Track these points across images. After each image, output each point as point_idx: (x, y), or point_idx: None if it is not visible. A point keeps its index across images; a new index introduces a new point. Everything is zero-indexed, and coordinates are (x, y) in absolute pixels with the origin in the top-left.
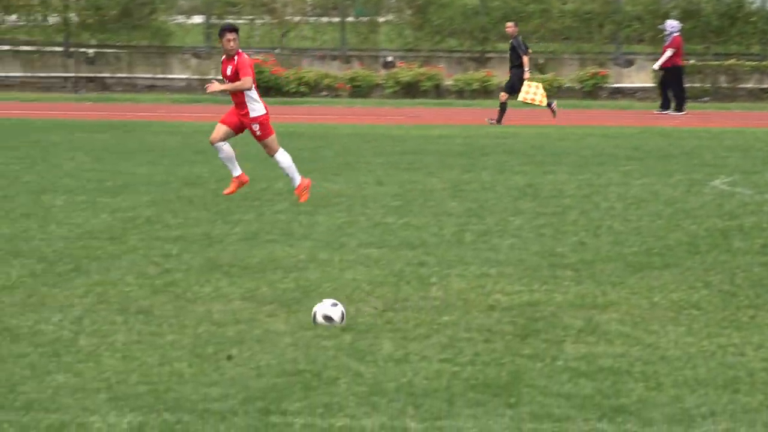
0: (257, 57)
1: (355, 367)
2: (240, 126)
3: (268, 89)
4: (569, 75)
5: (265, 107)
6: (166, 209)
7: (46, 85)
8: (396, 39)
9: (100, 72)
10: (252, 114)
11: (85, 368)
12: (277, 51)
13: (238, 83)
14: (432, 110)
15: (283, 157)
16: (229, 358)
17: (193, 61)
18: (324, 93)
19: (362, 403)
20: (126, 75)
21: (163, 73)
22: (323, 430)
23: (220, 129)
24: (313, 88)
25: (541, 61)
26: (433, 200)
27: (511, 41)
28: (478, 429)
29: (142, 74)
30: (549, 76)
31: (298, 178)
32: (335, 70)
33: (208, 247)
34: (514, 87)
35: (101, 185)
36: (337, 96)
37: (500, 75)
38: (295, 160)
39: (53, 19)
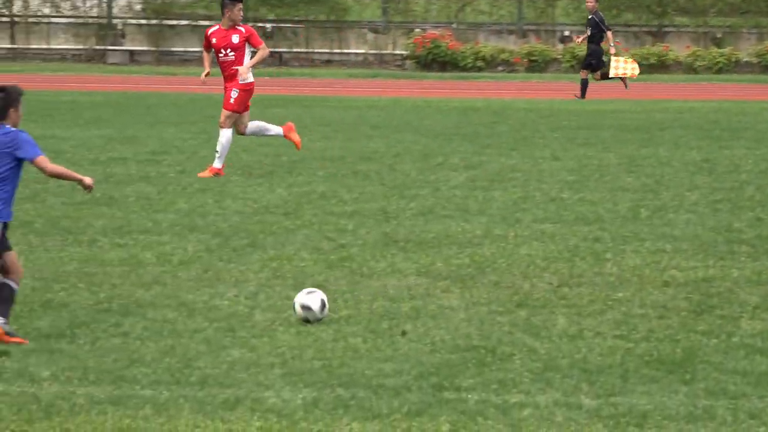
0: (434, 32)
1: (529, 343)
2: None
3: (444, 64)
4: (747, 49)
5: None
6: (341, 184)
7: None
8: (573, 13)
9: (277, 47)
10: (241, 81)
11: (260, 343)
12: (453, 26)
13: (262, 54)
14: (607, 85)
15: (225, 137)
16: (404, 333)
17: (370, 36)
18: (500, 68)
19: (536, 380)
20: (303, 50)
21: (339, 47)
22: (497, 406)
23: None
24: (489, 63)
25: (719, 35)
26: (608, 175)
27: (590, 16)
28: (653, 405)
29: (319, 49)
30: (726, 50)
31: (219, 164)
32: (511, 45)
33: (383, 222)
34: (591, 64)
35: (277, 160)
36: (513, 71)
37: (677, 49)
38: (471, 135)
39: None
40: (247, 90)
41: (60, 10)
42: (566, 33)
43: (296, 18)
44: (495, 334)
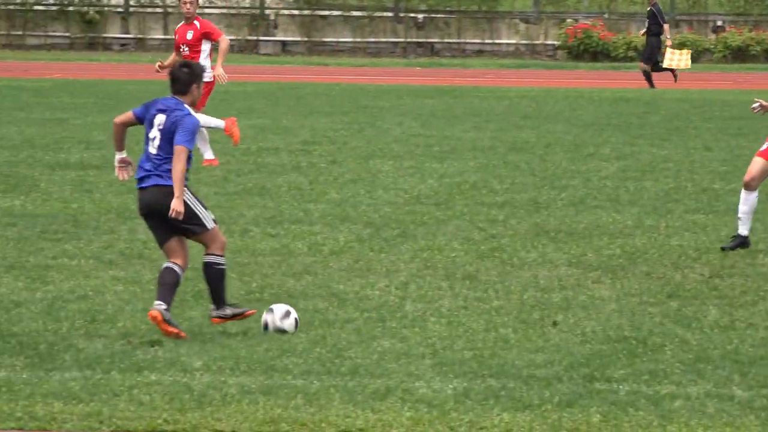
0: (586, 22)
1: (680, 333)
2: None
3: (596, 54)
4: None
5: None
6: (492, 174)
7: (375, 51)
8: (726, 3)
9: (429, 37)
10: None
11: (411, 334)
12: (605, 16)
13: (223, 47)
14: (761, 75)
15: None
16: (555, 324)
17: (521, 26)
18: None
19: (688, 371)
20: (454, 40)
21: (491, 38)
22: (648, 397)
23: None
24: (641, 53)
25: None
26: None
27: (650, 8)
28: None
29: (471, 39)
30: None
31: (211, 155)
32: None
33: (534, 213)
34: (651, 57)
35: (428, 150)
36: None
37: None
38: (622, 125)
39: None
40: (206, 85)
41: (213, 1)
42: (719, 23)
43: (448, 8)
44: (646, 324)
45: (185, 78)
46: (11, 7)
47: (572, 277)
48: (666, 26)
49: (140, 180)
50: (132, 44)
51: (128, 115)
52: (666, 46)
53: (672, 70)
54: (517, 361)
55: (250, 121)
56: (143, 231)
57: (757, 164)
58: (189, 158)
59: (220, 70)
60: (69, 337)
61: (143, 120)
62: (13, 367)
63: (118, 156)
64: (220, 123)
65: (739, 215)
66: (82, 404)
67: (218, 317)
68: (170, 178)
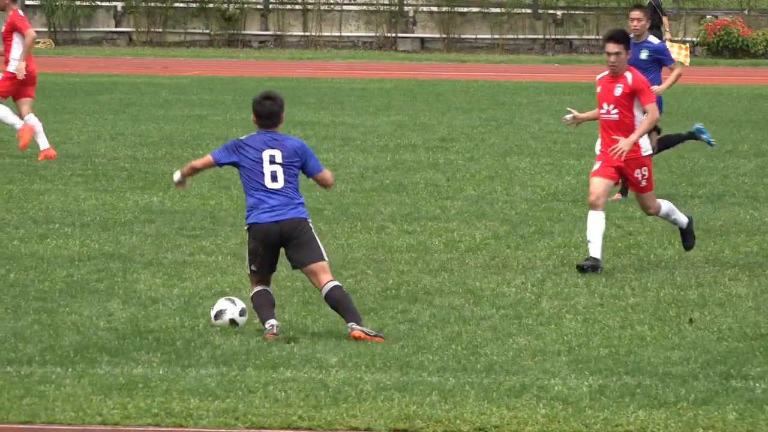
0: (726, 18)
1: None
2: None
3: (735, 51)
4: None
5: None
6: None
7: (513, 47)
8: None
9: (567, 34)
10: (10, 69)
11: (547, 330)
12: (745, 12)
13: (27, 41)
14: None
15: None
16: (691, 321)
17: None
18: None
19: None
20: (593, 37)
21: None
22: None
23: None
24: None
25: None
26: None
27: (649, 1)
28: None
29: None
30: None
31: (17, 123)
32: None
33: None
34: None
35: (566, 147)
36: None
37: None
38: (761, 122)
39: None
40: (11, 78)
41: None
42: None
43: (587, 5)
44: None
45: (274, 110)
46: (152, 4)
47: (709, 274)
48: (665, 20)
49: (271, 214)
50: (271, 41)
51: (207, 159)
52: (665, 39)
53: None
54: (653, 359)
55: (389, 118)
56: None
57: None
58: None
59: (21, 65)
60: (205, 334)
61: (223, 164)
62: (150, 363)
63: (180, 177)
64: (17, 123)
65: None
66: (217, 401)
67: (362, 331)
68: (305, 210)
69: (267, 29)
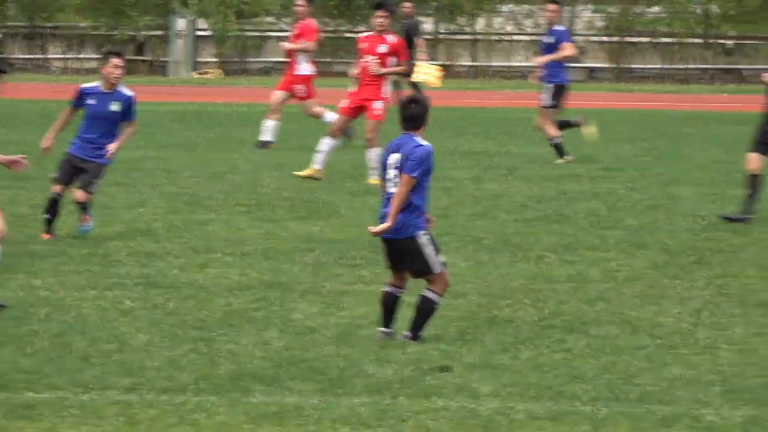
0: None
1: None
2: None
3: None
4: None
5: None
6: None
7: (683, 77)
8: None
9: (737, 63)
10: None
11: (701, 360)
12: None
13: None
14: None
15: None
16: None
17: None
18: None
19: None
20: (764, 66)
21: None
22: None
23: None
24: None
25: None
26: None
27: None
28: None
29: None
30: None
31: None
32: None
33: None
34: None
35: (729, 177)
36: None
37: None
38: None
39: (695, 10)
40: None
41: (522, 27)
42: None
43: (759, 35)
44: None
45: (419, 112)
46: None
47: None
48: (420, 41)
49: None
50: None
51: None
52: (420, 59)
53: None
54: None
55: (550, 148)
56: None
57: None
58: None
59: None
60: (360, 363)
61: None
62: (304, 391)
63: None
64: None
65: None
66: (369, 429)
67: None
68: (410, 221)
69: (436, 59)
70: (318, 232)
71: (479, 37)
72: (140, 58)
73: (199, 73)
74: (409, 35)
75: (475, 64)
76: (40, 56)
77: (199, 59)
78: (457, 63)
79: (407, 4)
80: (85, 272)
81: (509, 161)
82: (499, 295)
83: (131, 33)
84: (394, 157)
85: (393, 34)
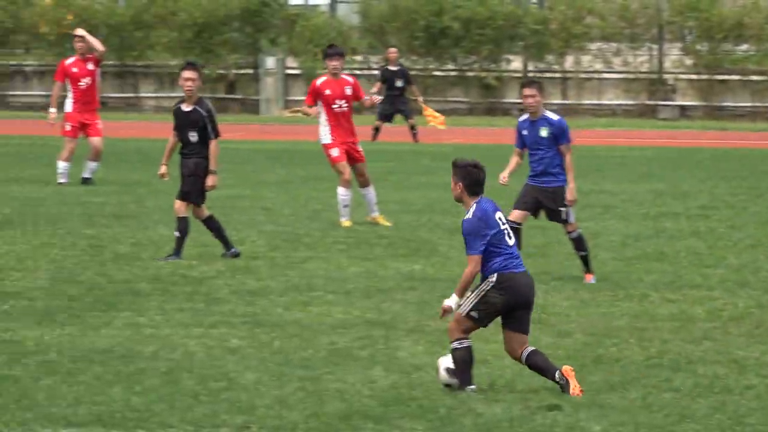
0: None
1: None
2: None
3: None
4: None
5: None
6: None
7: None
8: None
9: None
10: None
11: None
12: None
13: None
14: None
15: None
16: None
17: None
18: None
19: None
20: None
21: None
22: None
23: None
24: None
25: None
26: None
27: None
28: None
29: None
30: None
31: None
32: None
33: None
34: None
35: None
36: None
37: None
38: None
39: None
40: None
41: (611, 65)
42: None
43: None
44: None
45: (483, 177)
46: (412, 73)
47: None
48: (414, 87)
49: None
50: None
51: (479, 259)
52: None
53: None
54: None
55: (649, 186)
56: (542, 296)
57: None
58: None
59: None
60: (468, 401)
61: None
62: (415, 430)
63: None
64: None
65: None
66: None
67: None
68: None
69: None
70: (419, 270)
71: (569, 75)
72: (232, 96)
73: (291, 111)
74: (407, 80)
75: (565, 102)
76: (132, 95)
77: (289, 97)
78: (548, 101)
79: (392, 50)
80: (189, 310)
81: (605, 199)
82: (604, 333)
83: (221, 71)
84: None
85: (350, 75)
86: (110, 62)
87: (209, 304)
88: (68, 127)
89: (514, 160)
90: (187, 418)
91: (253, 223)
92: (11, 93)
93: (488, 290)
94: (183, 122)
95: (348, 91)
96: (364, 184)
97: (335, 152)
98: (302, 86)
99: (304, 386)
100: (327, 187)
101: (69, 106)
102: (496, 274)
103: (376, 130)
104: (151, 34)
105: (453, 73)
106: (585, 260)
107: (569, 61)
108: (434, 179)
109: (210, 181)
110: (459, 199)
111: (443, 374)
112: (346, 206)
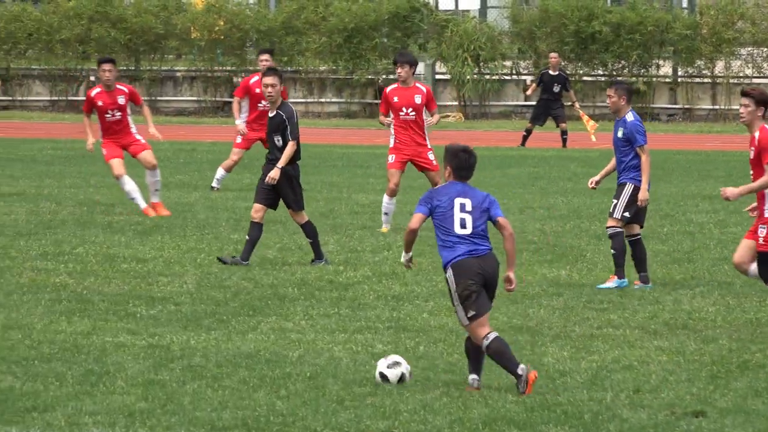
0: None
1: None
2: None
3: None
4: None
5: None
6: None
7: None
8: None
9: None
10: None
11: None
12: None
13: (148, 110)
14: None
15: None
16: None
17: None
18: None
19: None
20: None
21: None
22: None
23: None
24: None
25: None
26: None
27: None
28: None
29: None
30: None
31: None
32: None
33: None
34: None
35: None
36: None
37: None
38: None
39: None
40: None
41: (762, 70)
42: None
43: None
44: None
45: (473, 163)
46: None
47: None
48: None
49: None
50: (679, 114)
51: (420, 217)
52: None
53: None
54: None
55: None
56: (687, 302)
57: None
58: None
59: (155, 130)
60: (613, 407)
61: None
62: None
63: (407, 257)
64: (142, 203)
65: None
66: None
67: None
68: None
69: (675, 102)
70: (565, 276)
71: (718, 80)
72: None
73: (440, 117)
74: (564, 86)
75: (715, 107)
76: None
77: (439, 103)
78: (697, 107)
79: (554, 55)
80: (334, 315)
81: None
82: (749, 339)
83: (369, 76)
84: (464, 202)
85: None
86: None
87: (355, 310)
88: (239, 140)
89: (609, 164)
90: (331, 423)
91: (401, 229)
92: (162, 98)
93: (456, 286)
94: (268, 128)
95: (417, 99)
96: None
97: (390, 158)
98: (451, 91)
99: (449, 391)
100: None
101: (243, 119)
102: (449, 268)
103: (527, 133)
104: (302, 39)
105: (602, 78)
106: (614, 259)
107: (719, 66)
108: (580, 185)
109: (273, 173)
110: (447, 181)
111: (384, 375)
112: (386, 214)
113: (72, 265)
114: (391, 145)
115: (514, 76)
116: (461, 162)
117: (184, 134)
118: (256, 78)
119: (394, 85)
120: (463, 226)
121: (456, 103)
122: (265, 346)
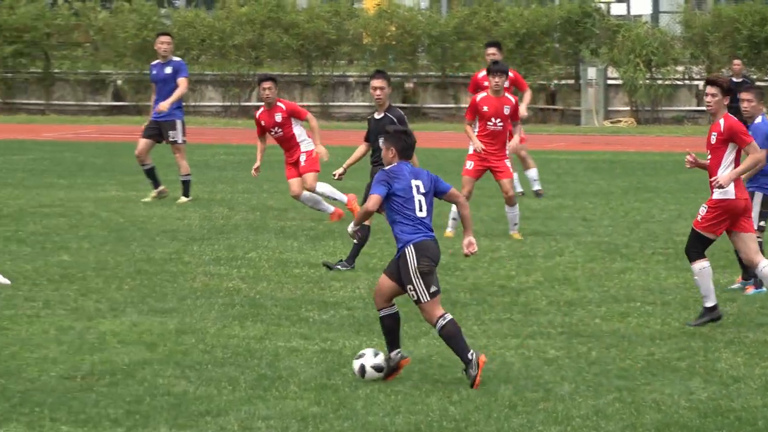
0: None
1: None
2: None
3: None
4: None
5: None
6: None
7: None
8: None
9: None
10: None
11: None
12: None
13: (316, 125)
14: None
15: None
16: None
17: None
18: None
19: None
20: None
21: None
22: None
23: None
24: None
25: None
26: None
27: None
28: None
29: None
30: None
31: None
32: None
33: None
34: None
35: None
36: None
37: None
38: None
39: None
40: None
41: None
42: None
43: None
44: None
45: (413, 143)
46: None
47: None
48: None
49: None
50: None
51: (378, 199)
52: None
53: None
54: None
55: None
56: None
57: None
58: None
59: (321, 148)
60: None
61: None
62: None
63: (355, 228)
64: (343, 197)
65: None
66: None
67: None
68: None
69: None
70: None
71: None
72: (552, 107)
73: (612, 122)
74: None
75: None
76: (453, 105)
77: (611, 108)
78: None
79: (737, 61)
80: (506, 321)
81: None
82: None
83: (541, 82)
84: (418, 184)
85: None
86: (431, 73)
87: (527, 315)
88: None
89: None
90: (503, 428)
91: (572, 234)
92: (334, 104)
93: (417, 263)
94: (374, 130)
95: (506, 110)
96: (507, 202)
97: (468, 164)
98: (623, 97)
99: (622, 397)
100: (648, 197)
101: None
102: (411, 245)
103: None
104: (473, 45)
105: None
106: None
107: None
108: None
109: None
110: (390, 164)
111: (371, 372)
112: (453, 219)
113: (245, 270)
114: (470, 151)
115: (687, 81)
116: (405, 143)
117: (356, 139)
118: (483, 73)
119: (484, 93)
120: (420, 209)
121: (628, 108)
122: (437, 350)
